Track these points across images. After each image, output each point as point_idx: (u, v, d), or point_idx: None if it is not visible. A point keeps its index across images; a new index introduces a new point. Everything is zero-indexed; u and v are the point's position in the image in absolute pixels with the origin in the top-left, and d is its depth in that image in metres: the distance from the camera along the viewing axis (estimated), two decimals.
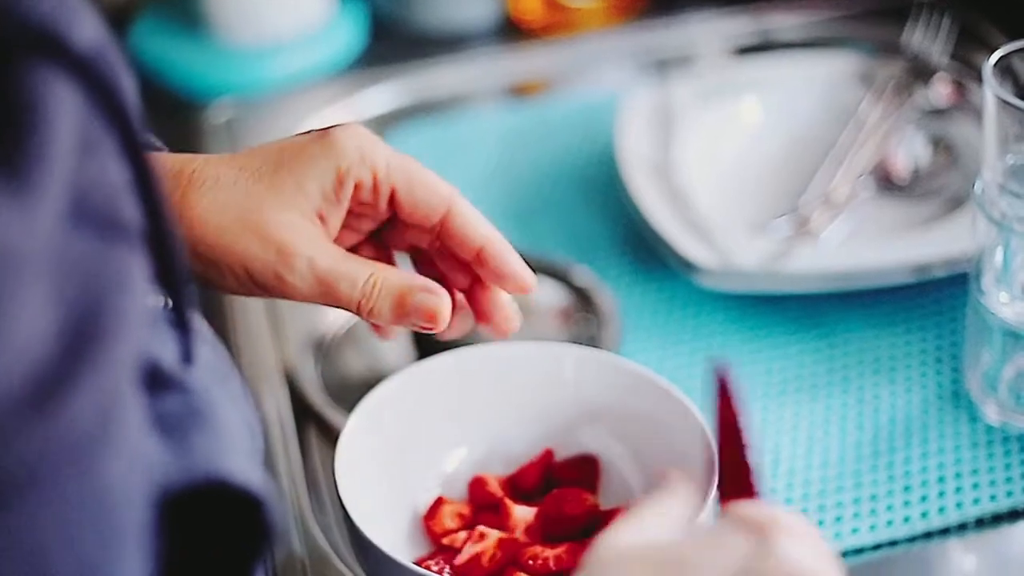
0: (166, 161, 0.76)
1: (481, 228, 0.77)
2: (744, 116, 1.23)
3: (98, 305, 0.49)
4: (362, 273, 0.74)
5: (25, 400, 0.46)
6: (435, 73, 1.37)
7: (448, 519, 0.87)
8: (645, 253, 1.13)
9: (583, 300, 1.09)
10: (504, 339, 0.82)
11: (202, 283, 0.74)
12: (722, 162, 1.19)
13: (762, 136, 1.22)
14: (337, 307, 0.74)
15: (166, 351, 0.59)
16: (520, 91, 1.39)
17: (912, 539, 0.91)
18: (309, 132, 0.77)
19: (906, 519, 0.92)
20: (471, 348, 0.91)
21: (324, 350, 1.07)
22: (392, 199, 0.76)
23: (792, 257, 1.06)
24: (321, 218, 0.75)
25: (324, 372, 1.06)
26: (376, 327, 0.81)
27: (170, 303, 0.60)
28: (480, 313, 0.81)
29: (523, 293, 0.79)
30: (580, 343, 1.01)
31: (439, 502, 0.88)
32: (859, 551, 0.91)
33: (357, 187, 0.75)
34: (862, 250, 1.07)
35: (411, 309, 0.74)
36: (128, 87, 0.53)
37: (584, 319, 1.07)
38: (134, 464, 0.50)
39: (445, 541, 0.86)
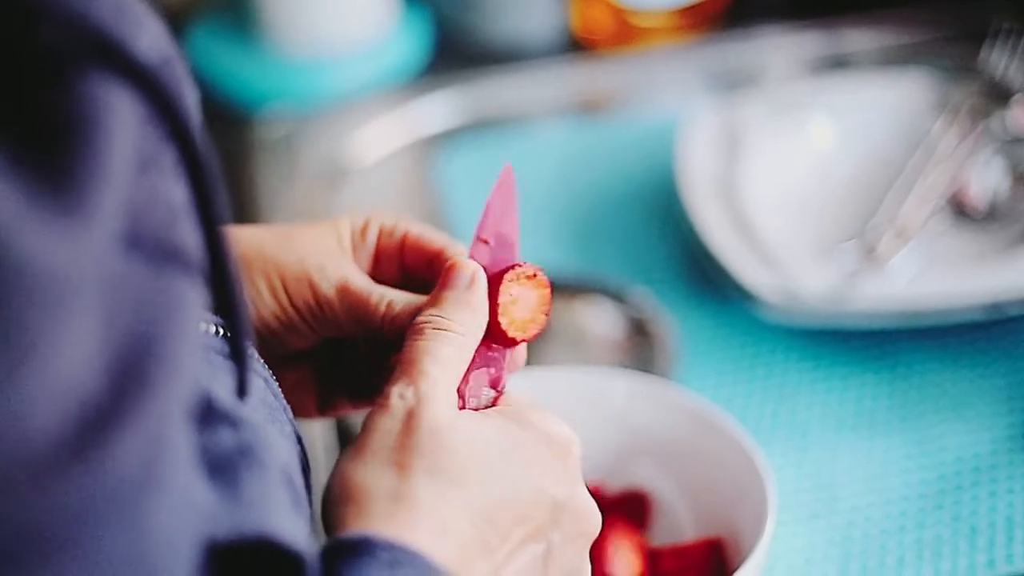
0: None
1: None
2: (813, 138, 1.19)
3: (150, 336, 0.46)
4: (390, 292, 0.72)
5: (67, 442, 0.42)
6: (496, 88, 1.34)
7: None
8: (705, 279, 1.10)
9: (639, 325, 1.05)
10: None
11: None
12: (788, 186, 1.15)
13: (831, 159, 1.18)
14: (360, 322, 0.72)
15: (220, 384, 0.56)
16: (583, 108, 1.36)
17: None
18: None
19: (971, 566, 0.87)
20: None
21: None
22: (404, 244, 0.75)
23: (859, 290, 1.02)
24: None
25: None
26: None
27: (226, 332, 0.57)
28: None
29: None
30: (634, 370, 0.98)
31: None
32: None
33: (380, 231, 0.75)
34: (932, 285, 1.02)
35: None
36: (191, 102, 0.50)
37: (639, 345, 1.04)
38: (181, 510, 0.47)
39: None
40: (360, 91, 1.34)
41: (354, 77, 1.35)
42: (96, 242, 0.44)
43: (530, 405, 0.67)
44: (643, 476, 0.87)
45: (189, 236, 0.50)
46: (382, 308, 0.70)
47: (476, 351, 0.67)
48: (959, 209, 1.11)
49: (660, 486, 0.87)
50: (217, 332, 0.57)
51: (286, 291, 0.71)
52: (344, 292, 0.71)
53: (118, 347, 0.45)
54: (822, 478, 0.94)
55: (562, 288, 1.00)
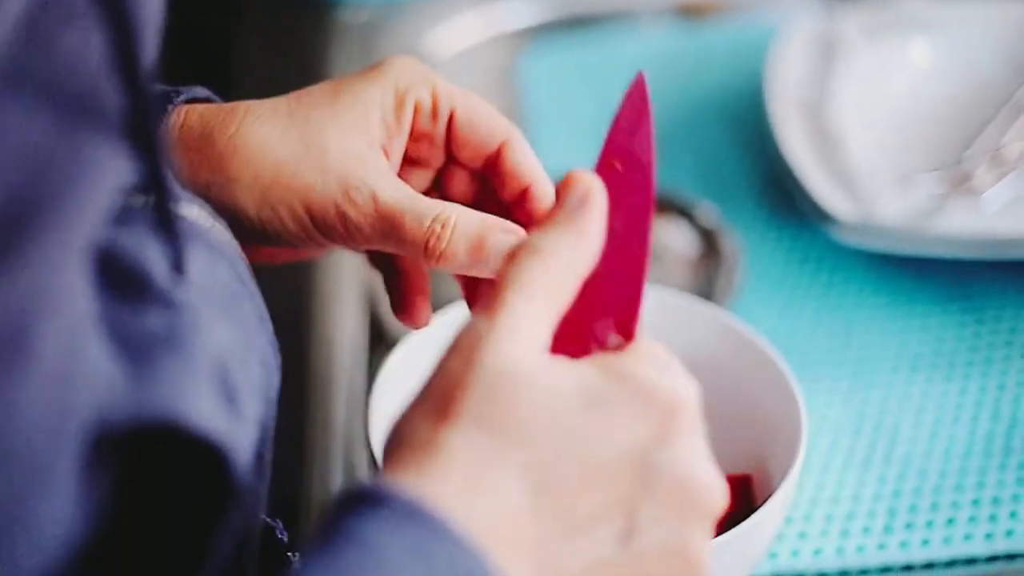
0: (216, 105, 0.69)
1: (534, 165, 0.69)
2: (913, 58, 1.11)
3: (42, 191, 0.43)
4: (432, 209, 0.65)
5: None
6: None
7: None
8: (783, 199, 1.03)
9: (707, 243, 0.99)
10: None
11: (262, 236, 0.66)
12: (882, 107, 1.08)
13: (930, 82, 1.10)
14: (403, 251, 0.65)
15: (152, 257, 0.51)
16: (679, 12, 1.29)
17: None
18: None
19: None
20: None
21: None
22: (450, 127, 0.69)
23: (944, 217, 0.94)
24: (384, 152, 0.68)
25: None
26: (408, 315, 0.71)
27: (154, 201, 0.52)
28: None
29: None
30: (698, 289, 0.93)
31: None
32: (970, 561, 0.80)
33: (417, 110, 0.68)
34: None
35: (489, 252, 0.64)
36: None
37: (704, 264, 0.98)
38: (65, 383, 0.44)
39: None
40: None
41: None
42: None
43: (646, 353, 0.55)
44: None
45: (109, 93, 0.46)
46: (431, 241, 0.64)
47: (598, 291, 0.57)
48: None
49: None
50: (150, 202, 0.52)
51: (311, 220, 0.65)
52: (378, 217, 0.65)
53: (2, 197, 0.42)
54: (882, 422, 0.88)
55: None
